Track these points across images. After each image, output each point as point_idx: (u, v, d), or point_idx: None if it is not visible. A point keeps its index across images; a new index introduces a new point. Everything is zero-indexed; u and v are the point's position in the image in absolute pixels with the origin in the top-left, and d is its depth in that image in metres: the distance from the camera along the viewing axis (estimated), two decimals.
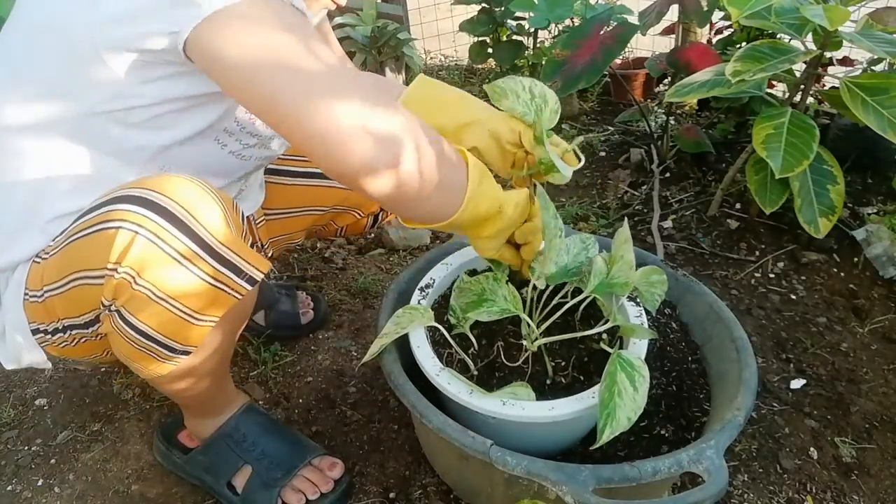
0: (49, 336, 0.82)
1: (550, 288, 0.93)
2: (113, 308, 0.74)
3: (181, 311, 0.73)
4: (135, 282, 0.70)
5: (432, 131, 0.74)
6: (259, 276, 0.76)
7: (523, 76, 0.92)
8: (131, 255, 0.69)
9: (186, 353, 0.79)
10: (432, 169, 0.71)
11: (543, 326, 0.89)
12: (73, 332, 0.81)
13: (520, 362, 0.90)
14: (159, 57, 0.69)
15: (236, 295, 0.75)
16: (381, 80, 1.08)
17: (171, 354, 0.78)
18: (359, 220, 1.25)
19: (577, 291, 0.91)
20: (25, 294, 0.80)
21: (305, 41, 0.66)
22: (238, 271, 0.74)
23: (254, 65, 0.64)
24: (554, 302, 0.92)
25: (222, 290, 0.74)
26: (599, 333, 0.94)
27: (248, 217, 1.10)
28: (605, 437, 0.73)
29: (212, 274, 0.72)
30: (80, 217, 0.75)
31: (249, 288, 0.76)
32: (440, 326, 0.89)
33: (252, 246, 0.83)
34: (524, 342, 0.89)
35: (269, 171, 1.14)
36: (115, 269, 0.69)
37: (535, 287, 0.89)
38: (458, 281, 0.92)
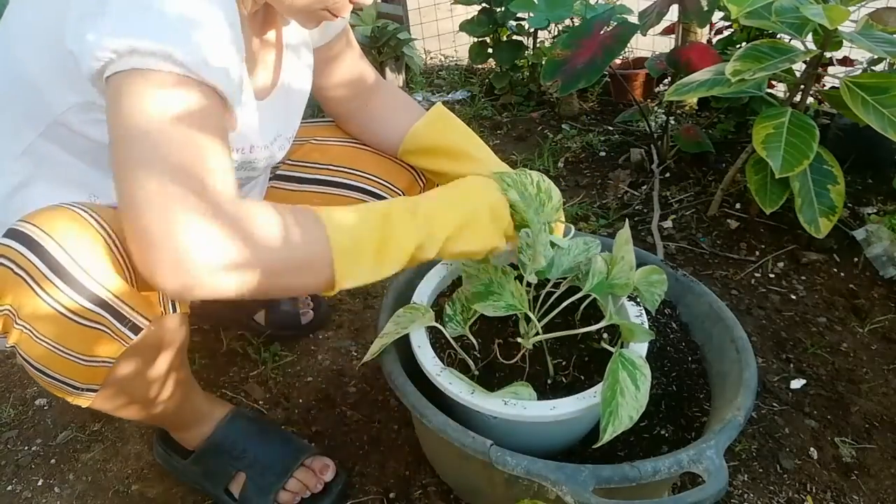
0: None
1: (549, 286, 0.93)
2: (8, 345, 0.72)
3: (65, 352, 0.70)
4: (16, 320, 0.69)
5: (292, 227, 0.67)
6: (144, 324, 0.73)
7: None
8: (8, 294, 0.67)
9: (92, 390, 0.76)
10: (289, 278, 0.67)
11: (542, 323, 0.89)
12: None
13: (516, 360, 0.90)
14: None
15: (122, 342, 0.72)
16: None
17: (76, 392, 0.76)
18: None
19: (574, 290, 0.91)
20: None
21: (169, 135, 0.60)
22: (120, 317, 0.71)
23: (127, 149, 0.60)
24: (551, 301, 0.92)
25: (106, 333, 0.71)
26: (600, 333, 0.94)
27: None
28: (608, 435, 0.73)
29: (91, 318, 0.69)
30: None
31: (133, 336, 0.72)
32: (441, 326, 0.89)
33: None
34: (520, 340, 0.89)
35: (276, 177, 1.12)
36: None
37: (530, 285, 0.89)
38: (464, 266, 0.90)
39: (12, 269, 0.67)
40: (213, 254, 0.60)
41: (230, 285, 0.62)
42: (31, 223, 0.68)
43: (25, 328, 0.69)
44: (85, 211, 0.70)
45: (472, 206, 0.80)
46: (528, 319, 0.88)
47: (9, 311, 0.69)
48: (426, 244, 0.75)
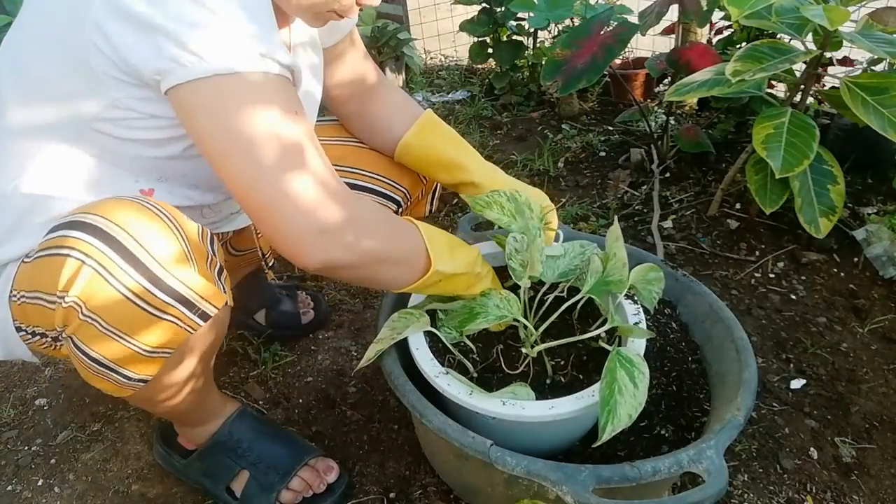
0: (30, 336, 0.82)
1: (546, 287, 0.93)
2: (64, 335, 0.74)
3: (131, 343, 0.72)
4: (82, 312, 0.69)
5: (388, 221, 0.81)
6: (213, 311, 0.75)
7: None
8: (77, 285, 0.68)
9: (143, 381, 0.77)
10: (386, 266, 0.79)
11: (542, 328, 0.89)
12: (48, 339, 0.81)
13: (521, 368, 0.90)
14: (148, 85, 0.69)
15: (189, 329, 0.74)
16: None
17: (127, 382, 0.77)
18: None
19: (573, 290, 0.91)
20: (11, 292, 0.80)
21: (279, 132, 0.68)
22: (190, 305, 0.72)
23: (221, 150, 0.67)
24: (549, 302, 0.92)
25: (174, 323, 0.72)
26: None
27: (226, 237, 1.09)
28: (607, 434, 0.73)
29: (161, 307, 0.70)
30: (47, 233, 0.73)
31: (202, 323, 0.74)
32: (438, 332, 0.89)
33: (221, 270, 0.81)
34: (523, 349, 0.88)
35: None
36: (63, 297, 0.69)
37: (527, 288, 0.89)
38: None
39: (83, 261, 0.67)
40: (343, 239, 0.71)
41: (349, 263, 0.73)
42: (98, 214, 0.69)
43: (91, 319, 0.69)
44: (147, 202, 0.71)
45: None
46: (525, 325, 0.88)
47: (75, 303, 0.69)
48: (479, 259, 0.89)
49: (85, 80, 0.70)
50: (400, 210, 1.18)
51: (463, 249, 0.88)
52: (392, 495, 1.02)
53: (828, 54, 1.53)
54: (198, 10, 0.63)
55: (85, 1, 0.66)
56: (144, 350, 0.73)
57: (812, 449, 1.07)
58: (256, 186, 0.67)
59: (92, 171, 0.78)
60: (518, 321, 0.87)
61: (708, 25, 1.98)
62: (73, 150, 0.77)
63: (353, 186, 1.10)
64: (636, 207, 1.73)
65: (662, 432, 0.94)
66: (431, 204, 1.25)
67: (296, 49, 0.92)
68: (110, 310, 0.69)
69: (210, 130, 0.67)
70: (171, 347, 0.75)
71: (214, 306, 0.75)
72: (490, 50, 2.39)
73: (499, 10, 2.26)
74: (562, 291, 0.93)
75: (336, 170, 1.11)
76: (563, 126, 2.23)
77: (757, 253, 1.53)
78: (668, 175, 1.85)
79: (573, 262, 0.93)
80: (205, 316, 0.74)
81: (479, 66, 2.81)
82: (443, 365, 0.87)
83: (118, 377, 0.76)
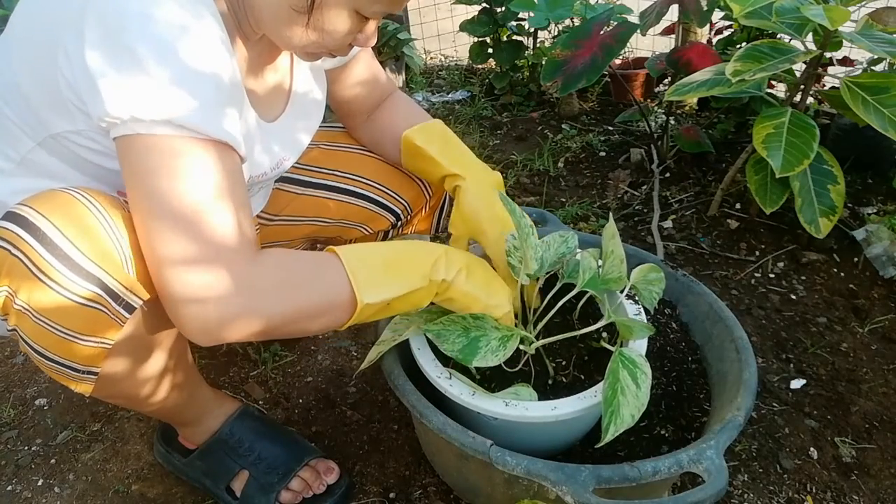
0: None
1: (542, 284, 0.93)
2: (9, 328, 0.74)
3: (63, 332, 0.72)
4: (14, 301, 0.70)
5: (307, 275, 0.76)
6: (137, 303, 0.74)
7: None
8: (6, 274, 0.69)
9: (92, 373, 0.77)
10: (307, 320, 0.75)
11: (540, 325, 0.88)
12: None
13: (519, 366, 0.90)
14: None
15: (117, 320, 0.74)
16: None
17: (79, 375, 0.77)
18: (367, 236, 1.19)
19: (569, 287, 0.91)
20: None
21: (182, 199, 0.67)
22: (115, 296, 0.72)
23: (131, 202, 0.68)
24: (546, 300, 0.91)
25: (103, 312, 0.72)
26: (599, 332, 0.94)
27: None
28: (611, 434, 0.73)
29: (86, 296, 0.70)
30: None
31: (127, 315, 0.74)
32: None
33: None
34: (521, 346, 0.88)
35: (281, 179, 1.11)
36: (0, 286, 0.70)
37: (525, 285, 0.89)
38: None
39: (9, 251, 0.68)
40: (229, 310, 0.69)
41: (252, 333, 0.71)
42: (29, 206, 0.70)
43: (24, 308, 0.70)
44: (82, 195, 0.71)
45: (481, 261, 0.87)
46: (525, 322, 0.88)
47: (7, 291, 0.70)
48: (440, 263, 0.81)
49: (56, 105, 0.71)
50: (399, 223, 1.17)
51: (408, 263, 0.80)
52: (392, 495, 1.02)
53: (828, 54, 1.53)
54: (139, 73, 0.64)
55: (58, 35, 0.66)
56: (79, 338, 0.73)
57: (812, 449, 1.07)
58: (147, 248, 0.70)
59: (68, 179, 0.79)
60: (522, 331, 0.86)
61: (708, 25, 1.99)
62: (52, 158, 0.77)
63: (351, 193, 1.10)
64: (636, 207, 1.73)
65: (662, 432, 0.94)
66: (439, 222, 1.24)
67: (298, 66, 0.91)
68: (38, 300, 0.70)
69: (127, 184, 0.69)
70: (110, 338, 0.74)
71: (140, 297, 0.74)
72: (490, 50, 2.39)
73: (499, 10, 2.26)
74: (557, 294, 0.93)
75: (336, 175, 1.12)
76: (563, 126, 2.23)
77: (757, 253, 1.53)
78: (668, 175, 1.86)
79: (558, 252, 0.94)
80: (129, 307, 0.74)
81: (479, 66, 2.81)
82: (445, 365, 0.87)
83: (67, 370, 0.75)
